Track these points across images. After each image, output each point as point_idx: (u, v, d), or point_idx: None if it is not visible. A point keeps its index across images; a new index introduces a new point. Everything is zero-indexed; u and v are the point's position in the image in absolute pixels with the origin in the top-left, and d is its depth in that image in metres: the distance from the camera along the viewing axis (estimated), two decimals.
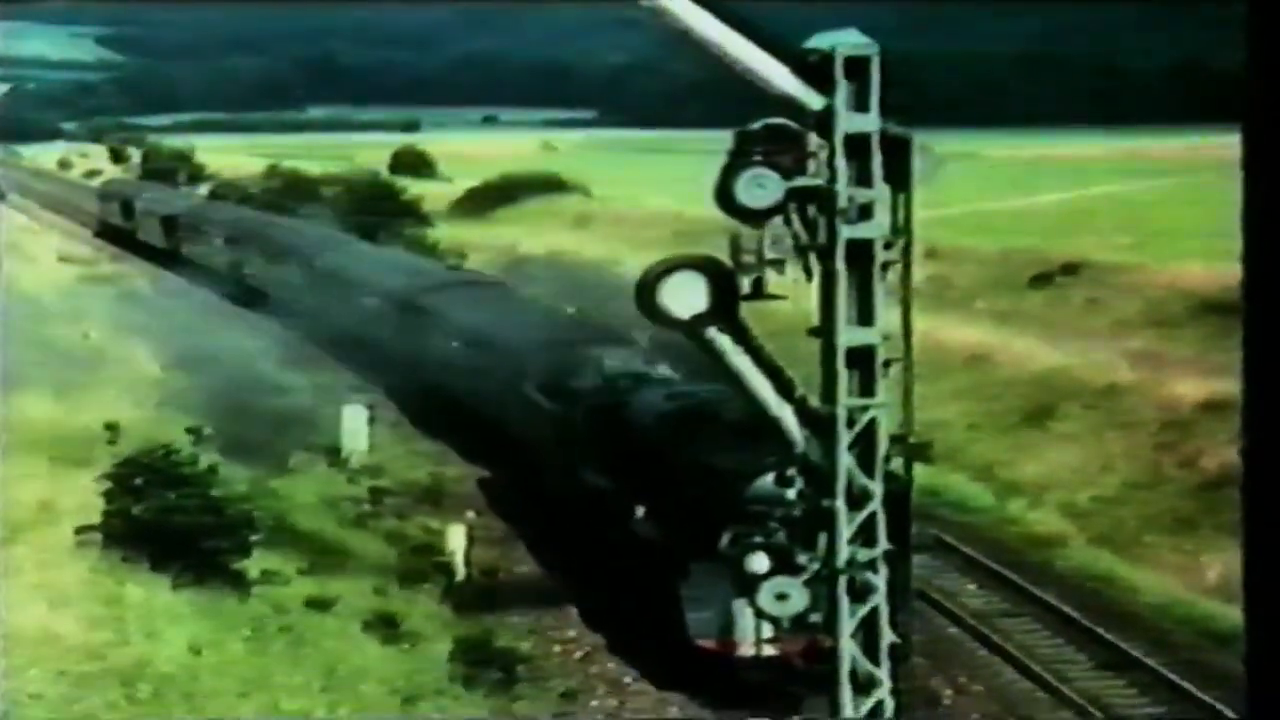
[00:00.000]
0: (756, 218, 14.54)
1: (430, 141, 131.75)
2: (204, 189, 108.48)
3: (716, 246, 15.16)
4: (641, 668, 28.22)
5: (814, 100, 14.50)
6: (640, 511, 28.80)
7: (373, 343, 52.02)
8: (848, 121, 14.40)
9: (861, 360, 14.56)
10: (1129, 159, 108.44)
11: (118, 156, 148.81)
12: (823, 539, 14.78)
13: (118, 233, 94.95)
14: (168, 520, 28.27)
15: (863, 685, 14.67)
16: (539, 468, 36.30)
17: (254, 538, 29.38)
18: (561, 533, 34.11)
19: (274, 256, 66.53)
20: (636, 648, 28.74)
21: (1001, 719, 26.62)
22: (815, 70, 14.47)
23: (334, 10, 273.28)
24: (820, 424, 14.68)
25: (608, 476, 30.97)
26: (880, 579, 14.63)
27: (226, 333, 58.31)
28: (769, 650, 25.42)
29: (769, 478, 22.74)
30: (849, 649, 14.63)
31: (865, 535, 14.60)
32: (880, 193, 14.47)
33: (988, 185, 79.44)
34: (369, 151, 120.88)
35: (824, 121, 14.47)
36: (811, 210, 14.54)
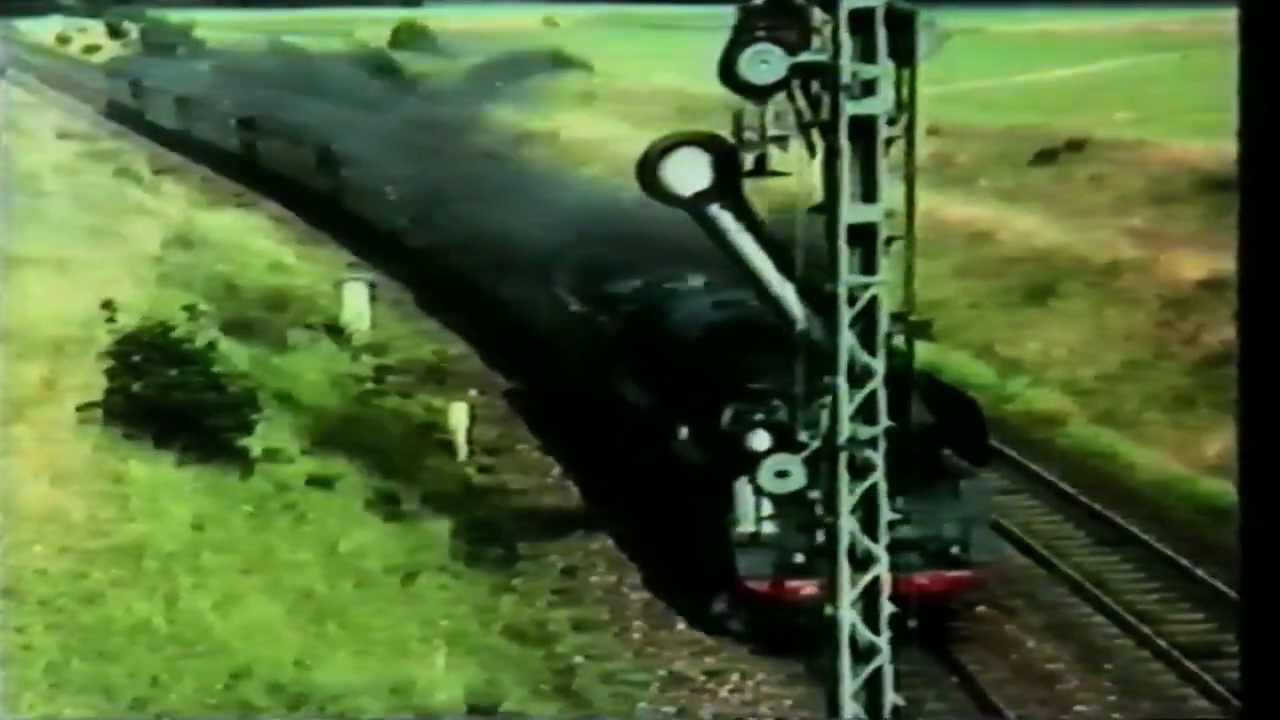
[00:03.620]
0: (760, 94, 14.44)
1: (431, 17, 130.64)
2: (205, 65, 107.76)
3: (720, 124, 15.08)
4: (683, 609, 25.96)
5: None
6: (684, 433, 25.92)
7: (393, 233, 50.78)
8: None
9: (864, 237, 14.50)
10: (1133, 34, 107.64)
11: (116, 32, 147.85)
12: (824, 416, 14.80)
13: (125, 112, 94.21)
14: (169, 398, 28.30)
15: (861, 562, 14.74)
16: (568, 376, 34.09)
17: (256, 416, 29.42)
18: (592, 451, 32.09)
19: (289, 139, 65.20)
20: (677, 585, 26.43)
21: (997, 594, 26.78)
22: None
23: None
24: (821, 301, 14.65)
25: (646, 391, 28.45)
26: (880, 456, 14.65)
27: (224, 209, 58.23)
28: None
29: None
30: (848, 525, 14.68)
31: (866, 413, 14.60)
32: (884, 68, 14.35)
33: (992, 61, 78.89)
34: (369, 27, 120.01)
35: None
36: (815, 86, 14.43)
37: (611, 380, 30.10)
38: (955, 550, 24.46)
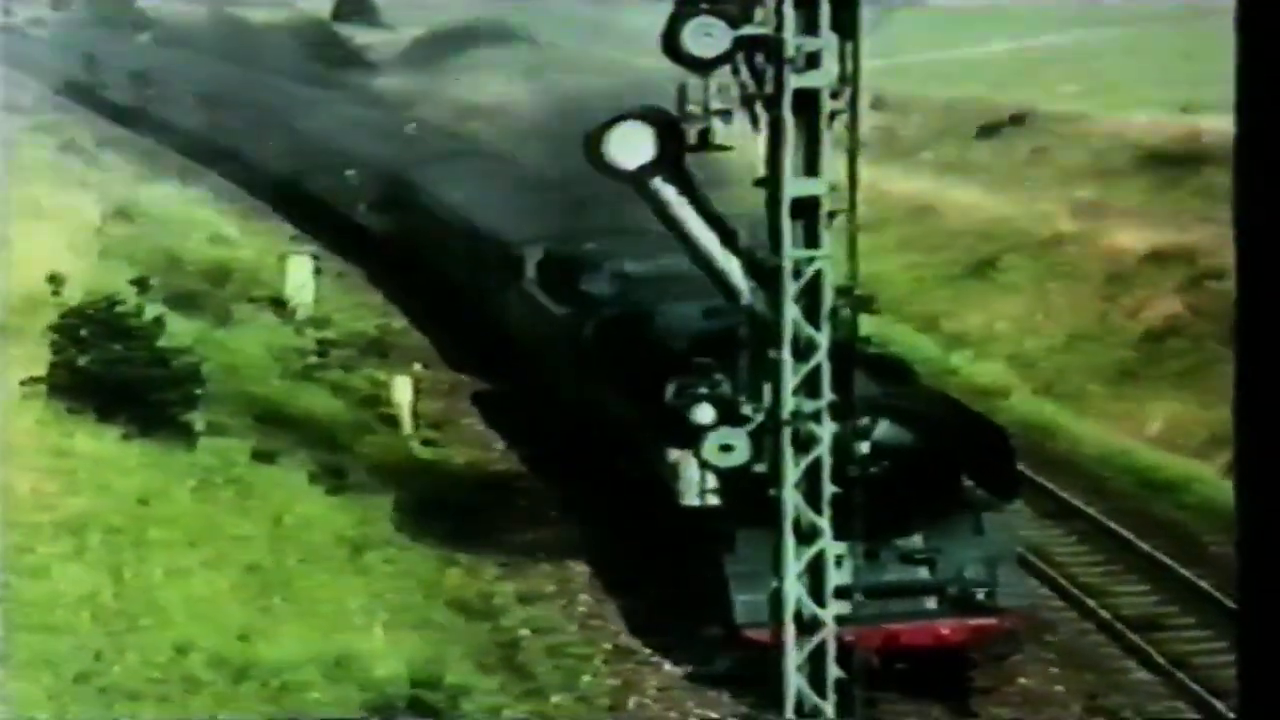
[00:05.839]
0: (704, 67, 14.46)
1: None
2: (145, 37, 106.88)
3: (666, 97, 15.11)
4: (674, 655, 23.29)
5: None
6: (672, 456, 22.24)
7: (354, 218, 49.67)
8: None
9: (807, 211, 14.55)
10: (1077, 9, 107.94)
11: (59, 2, 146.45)
12: (768, 390, 14.85)
13: (76, 87, 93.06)
14: (114, 372, 28.15)
15: (805, 535, 14.81)
16: (542, 383, 31.79)
17: (200, 390, 29.29)
18: (567, 468, 29.58)
19: (251, 117, 63.91)
20: (666, 629, 23.74)
21: None
22: None
23: None
24: (766, 275, 14.70)
25: (627, 402, 25.67)
26: (824, 430, 14.71)
27: (167, 183, 57.82)
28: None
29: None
30: (792, 499, 14.74)
31: (810, 386, 14.66)
32: (828, 41, 14.40)
33: (935, 34, 79.03)
34: None
35: None
36: (759, 59, 14.47)
37: (587, 386, 28.07)
38: (979, 594, 21.82)
